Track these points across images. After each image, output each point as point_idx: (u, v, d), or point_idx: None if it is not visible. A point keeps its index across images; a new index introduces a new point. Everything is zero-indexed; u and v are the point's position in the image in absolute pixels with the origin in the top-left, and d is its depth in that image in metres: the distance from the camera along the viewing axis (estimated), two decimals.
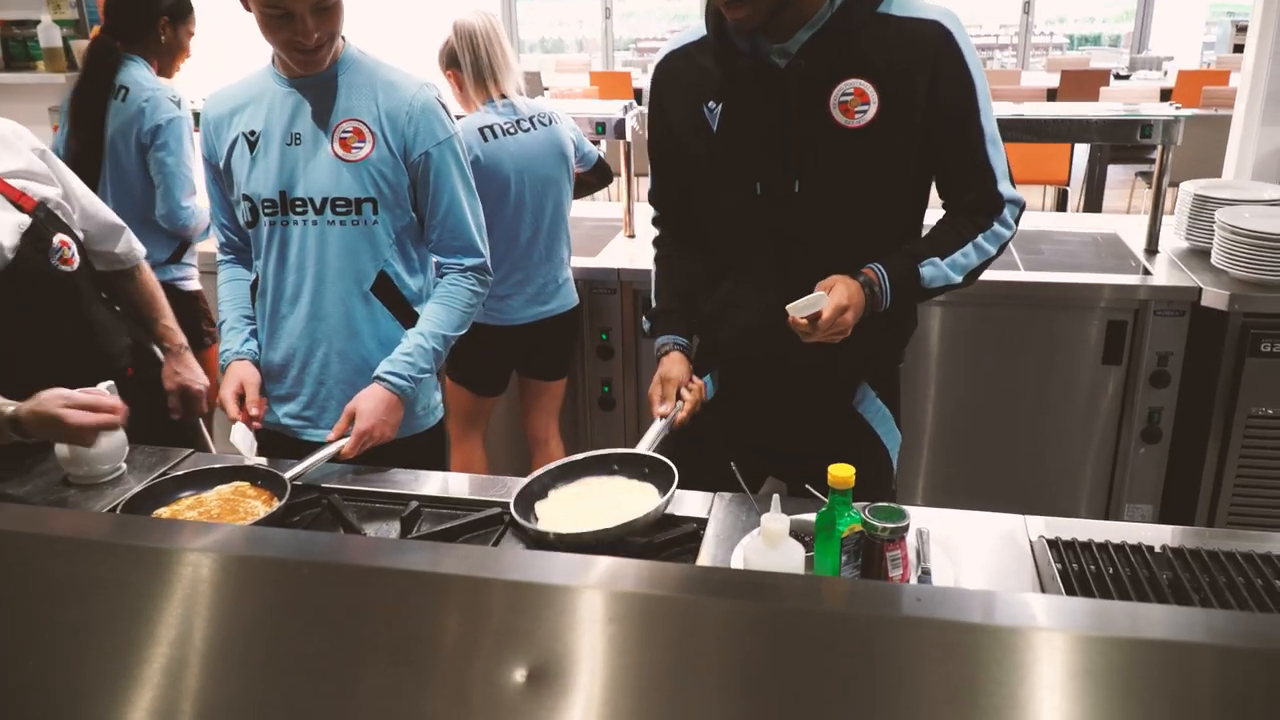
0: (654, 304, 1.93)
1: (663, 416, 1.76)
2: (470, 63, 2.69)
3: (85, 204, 2.03)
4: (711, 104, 1.71)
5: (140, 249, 2.17)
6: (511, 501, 1.61)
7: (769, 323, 1.72)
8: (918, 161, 1.69)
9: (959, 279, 1.71)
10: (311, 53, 1.78)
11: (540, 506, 1.64)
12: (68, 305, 1.92)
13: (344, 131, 1.84)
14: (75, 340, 1.95)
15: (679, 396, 1.78)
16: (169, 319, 2.19)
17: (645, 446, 1.71)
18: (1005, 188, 1.71)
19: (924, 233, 1.77)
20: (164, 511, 1.64)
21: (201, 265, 3.12)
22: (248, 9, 1.75)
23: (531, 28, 11.54)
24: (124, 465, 1.82)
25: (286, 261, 1.89)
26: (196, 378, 2.18)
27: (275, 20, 1.71)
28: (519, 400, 3.03)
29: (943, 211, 1.78)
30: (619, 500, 1.62)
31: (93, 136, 2.88)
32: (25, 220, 1.82)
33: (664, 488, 1.61)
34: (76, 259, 1.90)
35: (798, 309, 1.59)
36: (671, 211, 1.94)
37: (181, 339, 2.19)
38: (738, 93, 1.69)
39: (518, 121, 2.72)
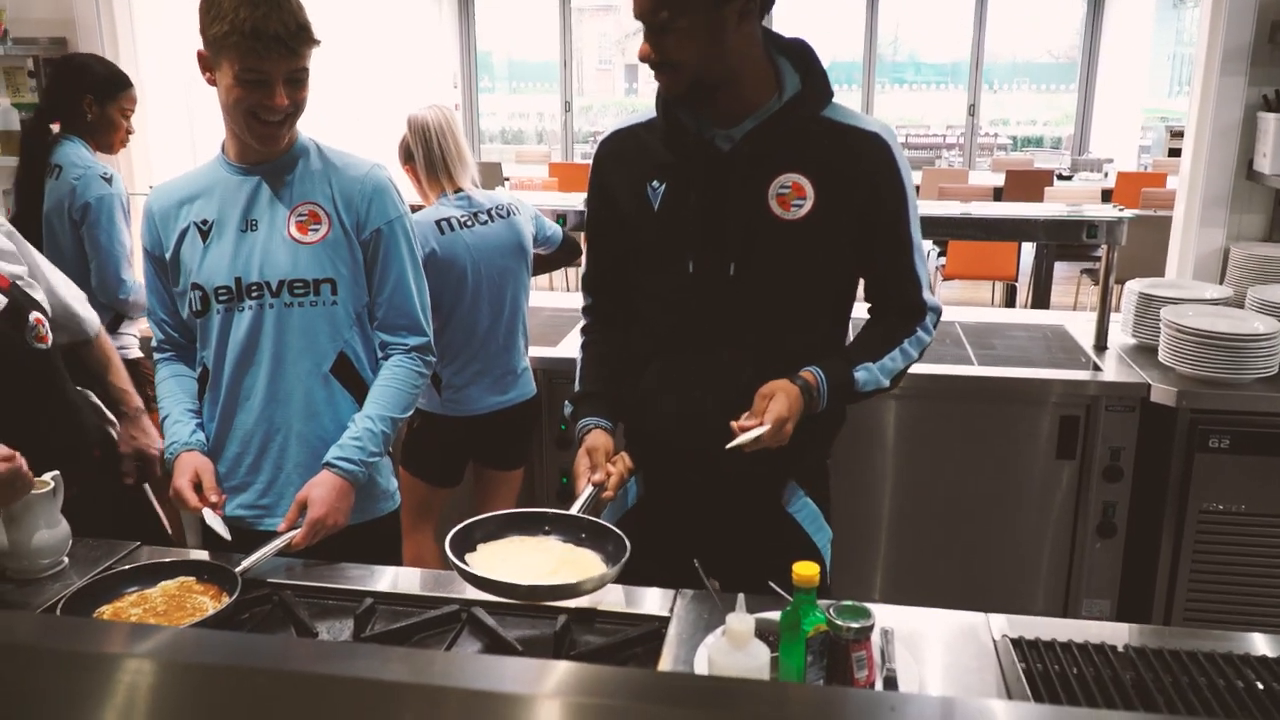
0: (577, 389, 1.90)
1: (595, 484, 1.70)
2: (423, 156, 2.71)
3: (51, 279, 2.03)
4: (655, 183, 1.75)
5: (95, 318, 2.16)
6: (447, 547, 1.56)
7: (697, 410, 1.74)
8: (847, 262, 1.75)
9: (887, 383, 1.77)
10: (275, 125, 1.78)
11: (472, 560, 1.59)
12: (44, 382, 1.90)
13: (300, 215, 1.85)
14: (52, 417, 1.92)
15: (608, 464, 1.73)
16: (126, 383, 2.18)
17: (577, 510, 1.67)
18: (927, 296, 1.80)
19: (849, 330, 1.84)
20: (106, 609, 1.58)
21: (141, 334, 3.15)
22: (211, 83, 1.76)
23: (492, 119, 11.73)
24: (65, 559, 1.75)
25: (241, 347, 1.86)
26: (152, 441, 2.16)
27: (247, 85, 1.72)
28: (473, 491, 2.98)
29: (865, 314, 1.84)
30: (563, 559, 1.59)
31: (30, 214, 2.93)
32: (1, 299, 1.80)
33: (607, 554, 1.60)
34: (50, 336, 1.89)
35: (744, 441, 1.61)
36: (604, 294, 1.93)
37: (138, 403, 2.17)
38: (681, 172, 1.73)
39: (475, 214, 2.74)
